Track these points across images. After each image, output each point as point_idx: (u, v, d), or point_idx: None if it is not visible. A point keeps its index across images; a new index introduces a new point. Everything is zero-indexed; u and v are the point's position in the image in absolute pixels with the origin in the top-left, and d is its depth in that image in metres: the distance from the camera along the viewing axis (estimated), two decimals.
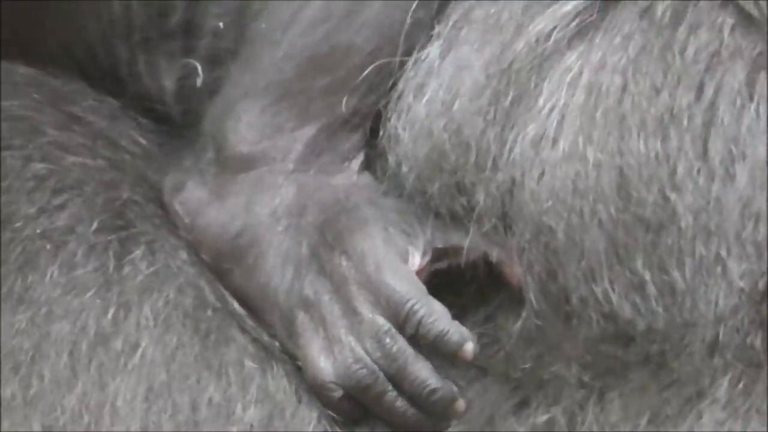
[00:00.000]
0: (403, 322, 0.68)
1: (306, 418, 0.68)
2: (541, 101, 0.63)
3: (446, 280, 0.70)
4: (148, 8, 0.76)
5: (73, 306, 0.71)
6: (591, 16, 0.63)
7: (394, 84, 0.69)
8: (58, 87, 0.79)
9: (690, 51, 0.61)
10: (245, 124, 0.73)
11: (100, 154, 0.76)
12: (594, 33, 0.63)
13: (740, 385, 0.62)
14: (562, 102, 0.63)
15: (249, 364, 0.70)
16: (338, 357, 0.68)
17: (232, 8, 0.75)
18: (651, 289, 0.61)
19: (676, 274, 0.61)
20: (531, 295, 0.64)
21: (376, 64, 0.68)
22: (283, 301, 0.70)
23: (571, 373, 0.65)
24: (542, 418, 0.65)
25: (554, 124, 0.63)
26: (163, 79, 0.79)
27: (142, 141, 0.78)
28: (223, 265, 0.72)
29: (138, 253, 0.72)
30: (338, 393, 0.68)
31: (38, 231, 0.73)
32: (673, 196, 0.61)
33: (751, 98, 0.61)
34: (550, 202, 0.63)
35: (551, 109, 0.63)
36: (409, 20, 0.68)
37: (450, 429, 0.67)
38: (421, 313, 0.68)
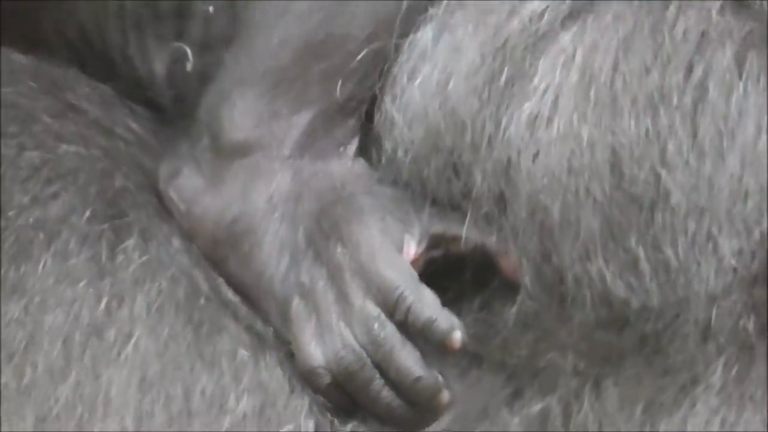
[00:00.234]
0: (392, 308, 0.86)
1: (298, 407, 0.86)
2: (535, 81, 0.81)
3: (442, 267, 0.86)
4: None
5: (66, 296, 0.89)
6: None
7: (389, 68, 0.86)
8: (53, 74, 0.98)
9: (679, 31, 0.79)
10: (241, 110, 0.91)
11: (94, 143, 0.94)
12: (586, 13, 0.80)
13: (734, 371, 0.79)
14: (556, 82, 0.81)
15: (242, 353, 0.87)
16: (328, 343, 0.85)
17: None
18: (645, 267, 0.78)
19: (669, 252, 0.78)
20: (526, 278, 0.81)
21: (371, 48, 0.86)
22: (278, 288, 0.87)
23: (567, 361, 0.82)
24: (536, 407, 0.82)
25: (549, 104, 0.81)
26: (154, 63, 0.97)
27: (137, 128, 0.96)
28: (219, 252, 0.89)
29: (131, 242, 0.90)
30: (326, 379, 0.86)
31: (31, 220, 0.91)
32: (664, 173, 0.79)
33: (740, 77, 0.78)
34: (545, 181, 0.80)
35: (546, 89, 0.81)
36: (404, 5, 0.85)
37: (440, 421, 0.82)
38: (410, 300, 0.86)
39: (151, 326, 0.88)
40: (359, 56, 0.87)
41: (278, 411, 0.86)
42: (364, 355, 0.86)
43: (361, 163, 0.91)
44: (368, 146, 0.90)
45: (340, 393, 0.88)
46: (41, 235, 0.90)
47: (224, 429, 0.85)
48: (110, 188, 0.92)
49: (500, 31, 0.83)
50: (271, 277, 0.89)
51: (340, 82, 0.88)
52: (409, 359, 0.86)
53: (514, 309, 0.82)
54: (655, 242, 0.79)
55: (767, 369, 0.78)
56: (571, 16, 0.81)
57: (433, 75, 0.85)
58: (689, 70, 0.79)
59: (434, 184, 0.85)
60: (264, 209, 0.90)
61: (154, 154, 0.95)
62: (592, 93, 0.80)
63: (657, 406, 0.79)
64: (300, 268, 0.88)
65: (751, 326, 0.78)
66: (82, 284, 0.89)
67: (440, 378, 0.86)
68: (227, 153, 0.91)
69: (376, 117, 0.88)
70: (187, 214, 0.91)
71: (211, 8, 0.92)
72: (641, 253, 0.78)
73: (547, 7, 0.81)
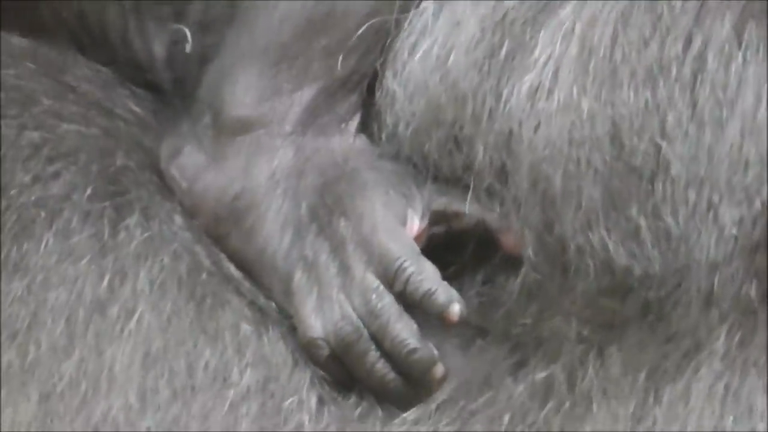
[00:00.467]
0: (392, 279, 0.89)
1: (302, 380, 0.89)
2: (535, 54, 0.84)
3: (444, 242, 0.89)
4: None
5: (68, 273, 0.92)
6: None
7: (391, 44, 0.89)
8: (52, 56, 1.00)
9: (678, 2, 0.82)
10: (242, 87, 0.94)
11: (95, 122, 0.97)
12: None
13: (737, 337, 0.82)
14: (556, 54, 0.84)
15: (245, 327, 0.90)
16: (327, 315, 0.89)
17: None
18: (646, 235, 0.82)
19: (670, 221, 0.81)
20: (528, 248, 0.84)
21: (372, 23, 0.89)
22: (281, 262, 0.90)
23: (571, 328, 0.85)
24: (541, 375, 0.85)
25: (549, 76, 0.84)
26: (154, 46, 1.00)
27: (137, 109, 1.00)
28: (221, 228, 0.92)
29: (133, 219, 0.93)
30: (325, 351, 0.89)
31: (33, 199, 0.94)
32: (664, 144, 0.82)
33: (740, 47, 0.81)
34: (546, 152, 0.83)
35: (546, 61, 0.84)
36: None
37: (442, 391, 0.85)
38: (409, 271, 0.89)
39: (153, 302, 0.91)
40: (360, 31, 0.90)
41: (281, 384, 0.89)
42: (362, 326, 0.89)
43: (363, 139, 0.94)
44: (369, 122, 0.93)
45: (338, 365, 0.90)
46: (43, 214, 0.93)
47: (228, 403, 0.88)
48: (111, 167, 0.95)
49: (500, 5, 0.86)
50: (273, 252, 0.92)
51: (341, 58, 0.92)
52: (404, 330, 0.89)
53: (518, 281, 0.85)
54: (656, 212, 0.82)
55: None
56: None
57: (433, 49, 0.88)
58: (688, 41, 0.82)
59: (436, 157, 0.88)
60: (266, 185, 0.93)
61: (155, 134, 0.98)
62: (591, 65, 0.83)
63: (661, 372, 0.83)
64: (303, 243, 0.91)
65: (753, 293, 0.81)
66: (84, 261, 0.92)
67: (435, 352, 0.89)
68: (229, 130, 0.94)
69: (378, 92, 0.91)
70: (189, 192, 0.94)
71: None
72: (642, 222, 0.82)
73: None
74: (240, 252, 0.93)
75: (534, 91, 0.84)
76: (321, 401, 0.89)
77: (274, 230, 0.92)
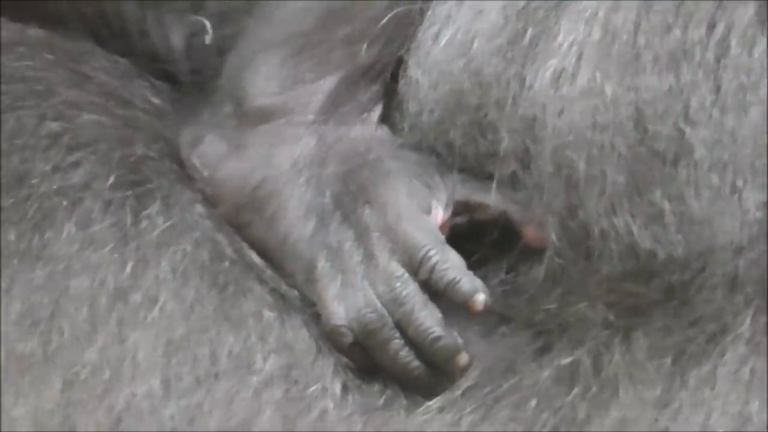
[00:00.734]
0: (417, 267, 0.92)
1: (325, 367, 0.92)
2: (559, 39, 0.88)
3: (467, 232, 0.92)
4: None
5: (91, 261, 0.95)
6: None
7: (414, 32, 0.92)
8: (70, 47, 1.04)
9: None
10: (264, 76, 0.97)
11: (114, 113, 1.01)
12: None
13: (762, 321, 0.84)
14: (579, 39, 0.87)
15: (267, 314, 0.93)
16: (351, 301, 0.92)
17: None
18: (670, 219, 0.85)
19: (693, 204, 0.85)
20: (552, 234, 0.87)
21: (395, 12, 0.92)
22: (304, 249, 0.94)
23: (596, 313, 0.88)
24: (566, 360, 0.88)
25: (572, 61, 0.88)
26: (172, 37, 1.04)
27: (155, 100, 1.03)
28: (242, 216, 0.96)
29: (154, 207, 0.97)
30: (349, 338, 0.92)
31: (54, 188, 0.97)
32: (687, 128, 0.86)
33: (763, 31, 0.85)
34: (570, 137, 0.87)
35: (569, 46, 0.88)
36: None
37: (466, 378, 0.88)
38: (435, 259, 0.92)
39: (176, 289, 0.94)
40: (383, 21, 0.94)
41: (305, 371, 0.92)
42: (386, 313, 0.92)
43: (385, 129, 0.98)
44: (390, 113, 0.97)
45: (362, 352, 0.94)
46: (64, 203, 0.96)
47: (251, 389, 0.92)
48: (131, 156, 0.98)
49: None
50: (296, 240, 0.95)
51: (364, 47, 0.95)
52: (429, 318, 0.92)
53: (542, 267, 0.89)
54: (680, 195, 0.86)
55: None
56: None
57: (457, 37, 0.91)
58: (711, 25, 0.86)
59: (460, 144, 0.91)
60: (289, 173, 0.96)
61: (173, 125, 1.02)
62: (614, 50, 0.87)
63: (686, 356, 0.86)
64: (327, 230, 0.94)
65: None
66: (106, 250, 0.95)
67: (460, 340, 0.92)
68: (251, 119, 0.98)
69: (401, 81, 0.95)
70: (211, 180, 0.98)
71: None
72: (666, 206, 0.85)
73: None
74: (262, 240, 0.97)
75: (557, 77, 0.88)
76: (345, 388, 0.92)
77: (296, 218, 0.95)
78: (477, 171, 0.93)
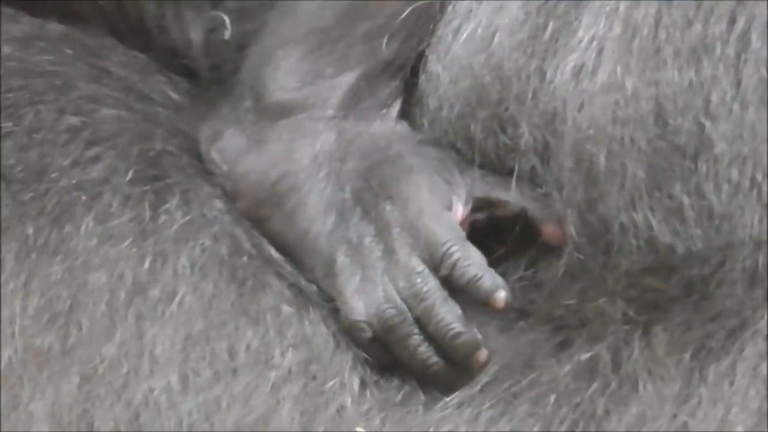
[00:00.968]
0: (438, 263, 0.95)
1: (343, 362, 0.94)
2: (579, 34, 0.91)
3: (487, 228, 0.95)
4: None
5: (109, 256, 0.98)
6: None
7: (434, 28, 0.96)
8: (89, 42, 1.07)
9: None
10: (284, 71, 1.00)
11: (133, 107, 1.04)
12: None
13: None
14: (600, 34, 0.90)
15: (286, 309, 0.97)
16: (371, 297, 0.95)
17: None
18: (689, 213, 0.88)
19: (713, 199, 0.88)
20: (571, 228, 0.90)
21: (414, 7, 0.95)
22: (324, 244, 0.97)
23: (616, 309, 0.91)
24: (585, 356, 0.91)
25: (593, 56, 0.91)
26: (191, 33, 1.07)
27: (174, 95, 1.07)
28: (262, 211, 0.99)
29: (173, 202, 1.00)
30: (368, 333, 0.95)
31: (73, 182, 1.00)
32: (707, 123, 0.89)
33: None
34: (590, 131, 0.90)
35: (590, 41, 0.91)
36: None
37: (485, 373, 0.91)
38: (456, 256, 0.95)
39: (194, 284, 0.97)
40: (402, 16, 0.97)
41: (323, 366, 0.95)
42: (405, 308, 0.95)
43: (404, 124, 1.01)
44: (409, 108, 1.00)
45: (381, 348, 0.97)
46: (83, 197, 1.00)
47: (270, 384, 0.95)
48: (151, 151, 1.02)
49: None
50: (316, 235, 0.98)
51: (384, 42, 0.98)
52: (449, 314, 0.95)
53: (561, 262, 0.91)
54: (699, 190, 0.88)
55: None
56: None
57: (477, 32, 0.95)
58: (732, 20, 0.89)
59: (480, 138, 0.94)
60: (309, 168, 0.99)
61: (193, 119, 1.05)
62: (635, 44, 0.90)
63: (706, 351, 0.89)
64: (347, 226, 0.97)
65: None
66: (125, 244, 0.98)
67: (479, 336, 0.95)
68: (271, 114, 1.01)
69: (421, 76, 0.98)
70: (230, 175, 1.01)
71: None
72: (686, 200, 0.88)
73: None
74: (281, 234, 1.00)
75: (578, 71, 0.91)
76: (363, 384, 0.95)
77: (316, 213, 0.98)
78: (497, 166, 0.96)
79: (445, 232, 0.96)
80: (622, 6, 0.91)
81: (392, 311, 0.95)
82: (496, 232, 0.97)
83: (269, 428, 0.94)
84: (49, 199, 1.00)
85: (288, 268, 0.98)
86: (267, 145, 1.00)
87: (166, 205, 0.99)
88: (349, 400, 0.95)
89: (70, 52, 1.05)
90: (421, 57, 0.98)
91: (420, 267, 0.96)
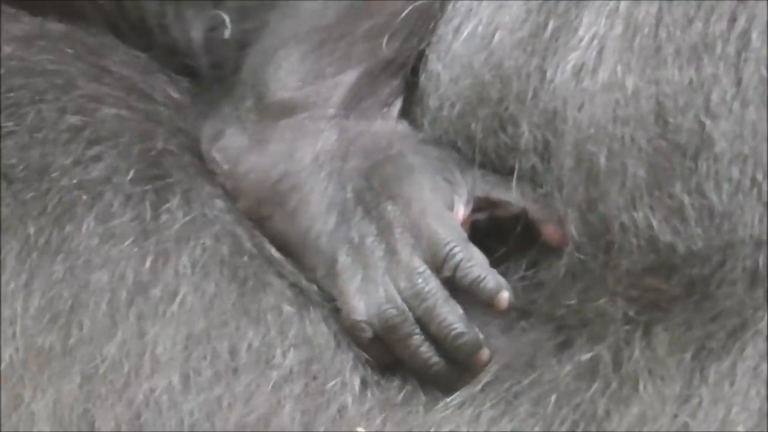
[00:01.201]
0: (441, 264, 0.98)
1: (344, 362, 0.97)
2: (580, 32, 0.94)
3: (488, 227, 0.98)
4: None
5: (111, 255, 1.01)
6: None
7: (435, 27, 0.98)
8: (90, 41, 1.10)
9: None
10: (286, 70, 1.03)
11: (134, 106, 1.07)
12: None
13: None
14: (600, 33, 0.93)
15: (287, 308, 0.99)
16: (372, 296, 0.98)
17: None
18: (690, 213, 0.91)
19: (713, 198, 0.90)
20: (572, 228, 0.92)
21: (415, 5, 0.97)
22: (325, 244, 0.99)
23: (617, 308, 0.93)
24: (586, 356, 0.94)
25: (593, 55, 0.93)
26: (192, 31, 1.10)
27: (175, 94, 1.09)
28: (263, 210, 1.02)
29: (174, 202, 1.03)
30: (368, 333, 0.98)
31: (74, 182, 1.03)
32: (708, 122, 0.91)
33: None
34: (591, 130, 0.93)
35: (590, 40, 0.93)
36: None
37: (486, 372, 0.93)
38: (459, 257, 0.98)
39: (196, 284, 1.00)
40: (403, 14, 0.99)
41: (324, 366, 0.97)
42: (406, 308, 0.98)
43: (405, 123, 1.04)
44: (410, 107, 1.02)
45: (382, 348, 0.99)
46: (84, 197, 1.02)
47: (271, 384, 0.97)
48: (152, 150, 1.04)
49: None
50: (318, 234, 1.01)
51: (385, 41, 1.01)
52: (451, 314, 0.97)
53: (562, 262, 0.94)
54: (700, 189, 0.91)
55: None
56: None
57: (478, 30, 0.97)
58: (732, 19, 0.91)
59: (481, 138, 0.97)
60: (310, 168, 1.02)
61: (193, 119, 1.07)
62: (636, 43, 0.92)
63: (706, 351, 0.91)
64: (349, 225, 1.00)
65: None
66: (126, 244, 1.01)
67: (481, 336, 0.98)
68: (272, 113, 1.03)
69: (421, 75, 1.00)
70: (231, 174, 1.04)
71: None
72: (686, 199, 0.90)
73: None
74: (283, 234, 1.02)
75: (578, 70, 0.93)
76: (364, 384, 0.98)
77: (318, 212, 1.01)
78: (497, 165, 0.98)
79: (447, 233, 0.98)
80: (622, 5, 0.94)
81: (393, 311, 0.97)
82: (496, 232, 1.00)
83: (270, 428, 0.97)
84: (50, 198, 1.02)
85: (289, 268, 1.01)
86: (268, 144, 1.03)
87: (168, 205, 1.02)
88: (350, 400, 0.97)
89: (70, 51, 1.08)
90: (421, 56, 1.01)
91: (421, 267, 0.98)
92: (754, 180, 0.91)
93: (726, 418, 0.91)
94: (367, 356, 0.98)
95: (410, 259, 0.98)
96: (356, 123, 1.03)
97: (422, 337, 0.98)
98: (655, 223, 0.91)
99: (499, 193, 1.00)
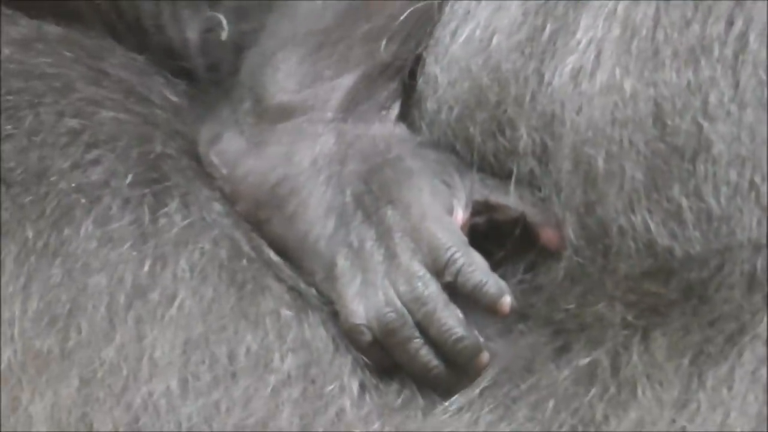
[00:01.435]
0: (442, 269, 0.99)
1: (342, 366, 0.98)
2: (578, 35, 0.95)
3: (487, 232, 0.99)
4: None
5: (109, 259, 1.03)
6: None
7: (432, 29, 0.99)
8: (87, 44, 1.12)
9: None
10: (284, 73, 1.05)
11: (132, 109, 1.08)
12: None
13: None
14: (598, 36, 0.94)
15: (285, 312, 1.01)
16: (371, 300, 0.99)
17: None
18: (688, 216, 0.92)
19: (711, 201, 0.92)
20: (570, 231, 0.94)
21: (413, 8, 0.99)
22: (324, 247, 1.01)
23: (615, 313, 0.95)
24: (584, 361, 0.95)
25: (591, 58, 0.95)
26: (188, 32, 1.12)
27: (172, 97, 1.11)
28: (262, 214, 1.03)
29: (173, 205, 1.04)
30: (367, 336, 0.99)
31: (73, 185, 1.05)
32: (706, 124, 0.92)
33: None
34: (589, 133, 0.94)
35: (588, 43, 0.95)
36: None
37: (484, 376, 0.95)
38: (461, 262, 0.99)
39: (194, 288, 1.01)
40: (401, 17, 1.01)
41: (323, 370, 0.99)
42: (406, 312, 0.99)
43: (403, 127, 1.05)
44: (407, 111, 1.04)
45: (381, 351, 1.01)
46: (83, 200, 1.04)
47: (269, 388, 0.99)
48: (150, 153, 1.06)
49: None
50: (316, 238, 1.02)
51: (383, 44, 1.02)
52: (451, 318, 0.99)
53: (560, 265, 0.95)
54: (698, 192, 0.92)
55: None
56: None
57: (476, 33, 0.99)
58: (730, 21, 0.93)
59: (479, 141, 0.98)
60: (309, 171, 1.03)
61: (191, 122, 1.09)
62: (633, 46, 0.94)
63: (704, 356, 0.92)
64: (348, 229, 1.01)
65: None
66: (124, 247, 1.03)
67: (481, 339, 0.99)
68: (270, 116, 1.05)
69: (419, 78, 1.02)
70: (230, 178, 1.05)
71: None
72: (684, 202, 0.92)
73: None
74: (281, 237, 1.04)
75: (576, 73, 0.95)
76: (362, 387, 0.99)
77: (317, 216, 1.02)
78: (496, 168, 1.00)
79: (448, 238, 1.00)
80: (620, 7, 0.95)
81: (393, 315, 0.99)
82: (495, 235, 1.01)
83: None
84: (48, 201, 1.04)
85: (287, 272, 1.02)
86: (266, 147, 1.04)
87: (166, 209, 1.04)
88: (348, 404, 0.99)
89: (69, 54, 1.09)
90: (419, 59, 1.02)
91: (421, 271, 1.00)
92: (752, 183, 0.92)
93: (724, 422, 0.92)
94: (366, 360, 1.00)
95: (410, 263, 1.00)
96: (354, 126, 1.05)
97: (422, 340, 1.00)
98: (653, 227, 0.93)
99: (497, 197, 1.01)
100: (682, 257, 0.93)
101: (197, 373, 1.00)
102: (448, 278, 1.00)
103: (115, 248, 1.03)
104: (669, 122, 0.94)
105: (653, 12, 0.95)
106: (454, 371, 1.01)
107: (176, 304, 1.02)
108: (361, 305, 1.00)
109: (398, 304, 1.00)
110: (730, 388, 0.93)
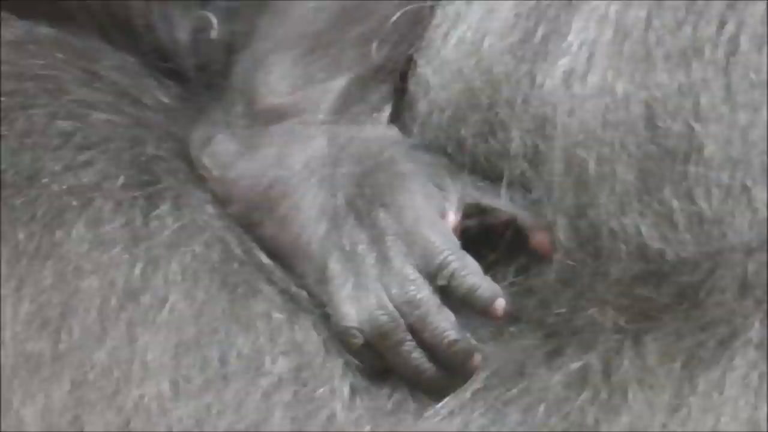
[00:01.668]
0: (435, 272, 1.01)
1: (334, 369, 1.00)
2: (570, 38, 0.96)
3: (478, 234, 1.00)
4: None
5: (101, 261, 1.04)
6: None
7: (424, 31, 1.00)
8: (80, 46, 1.13)
9: None
10: (276, 75, 1.06)
11: (124, 111, 1.10)
12: None
13: None
14: (590, 38, 0.95)
15: (277, 315, 1.02)
16: (363, 303, 1.00)
17: None
18: (679, 219, 0.93)
19: (703, 204, 0.93)
20: (561, 234, 0.95)
21: (405, 10, 1.00)
22: (316, 250, 1.02)
23: (607, 317, 0.96)
24: (576, 365, 0.96)
25: (583, 60, 0.96)
26: (178, 32, 1.13)
27: (164, 99, 1.12)
28: (253, 216, 1.04)
29: (165, 208, 1.06)
30: (359, 339, 1.01)
31: (64, 187, 1.06)
32: (697, 126, 0.93)
33: None
34: (580, 136, 0.95)
35: (580, 45, 0.95)
36: None
37: (474, 380, 0.96)
38: (454, 265, 1.00)
39: (186, 290, 1.03)
40: (392, 19, 1.02)
41: (314, 372, 1.00)
42: (398, 315, 1.01)
43: (395, 129, 1.06)
44: (399, 113, 1.05)
45: (373, 354, 1.02)
46: (74, 202, 1.05)
47: (261, 391, 1.00)
48: (142, 155, 1.07)
49: None
50: (308, 240, 1.04)
51: (375, 46, 1.03)
52: (444, 322, 1.00)
53: (552, 268, 0.96)
54: (689, 194, 0.93)
55: None
56: None
57: (467, 35, 1.00)
58: (722, 23, 0.94)
59: (471, 143, 0.99)
60: (301, 174, 1.04)
61: (183, 123, 1.10)
62: (625, 48, 0.95)
63: (696, 360, 0.93)
64: (340, 232, 1.02)
65: None
66: (116, 250, 1.04)
67: (474, 342, 1.00)
68: (262, 118, 1.06)
69: (411, 81, 1.03)
70: (222, 180, 1.06)
71: None
72: (675, 205, 0.93)
73: None
74: (273, 240, 1.05)
75: (568, 75, 0.96)
76: (353, 391, 1.00)
77: (309, 219, 1.04)
78: (488, 171, 1.01)
79: (441, 241, 1.01)
80: (612, 9, 0.96)
81: (385, 318, 1.00)
82: (486, 238, 1.02)
83: None
84: (40, 204, 1.05)
85: (279, 275, 1.04)
86: (259, 150, 1.06)
87: (158, 211, 1.05)
88: (339, 407, 1.00)
89: (61, 55, 1.11)
90: (410, 61, 1.03)
91: (414, 275, 1.01)
92: (744, 186, 0.93)
93: (715, 427, 0.93)
94: (357, 363, 1.01)
95: (402, 266, 1.01)
96: (346, 129, 1.06)
97: (413, 344, 1.01)
98: (644, 229, 0.94)
99: (489, 200, 1.03)
100: (674, 260, 0.94)
101: (189, 376, 1.01)
102: (441, 281, 1.01)
103: (106, 251, 1.04)
104: (661, 124, 0.95)
105: (645, 14, 0.96)
106: (445, 374, 1.02)
107: (168, 306, 1.03)
108: (353, 308, 1.02)
109: (390, 307, 1.01)
110: (721, 393, 0.94)
